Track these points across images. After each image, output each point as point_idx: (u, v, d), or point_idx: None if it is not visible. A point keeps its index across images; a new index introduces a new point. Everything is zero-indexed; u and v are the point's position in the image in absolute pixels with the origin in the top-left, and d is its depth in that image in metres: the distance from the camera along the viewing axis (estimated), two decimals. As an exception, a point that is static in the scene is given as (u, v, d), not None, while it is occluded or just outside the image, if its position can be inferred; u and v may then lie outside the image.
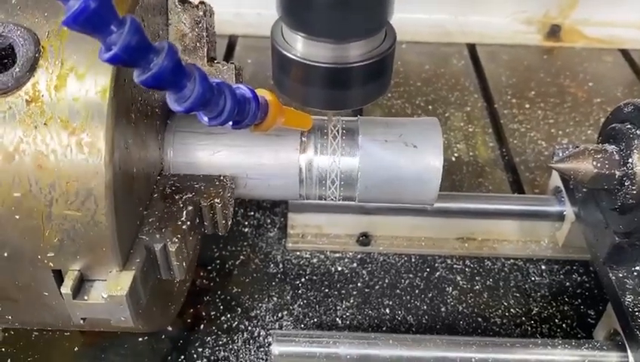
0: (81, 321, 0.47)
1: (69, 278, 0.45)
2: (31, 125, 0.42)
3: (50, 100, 0.42)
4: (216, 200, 0.51)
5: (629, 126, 0.55)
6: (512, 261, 0.72)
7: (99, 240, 0.44)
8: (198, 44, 0.55)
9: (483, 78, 1.06)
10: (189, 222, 0.49)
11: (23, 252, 0.45)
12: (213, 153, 0.54)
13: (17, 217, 0.43)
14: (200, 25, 0.54)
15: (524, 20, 1.17)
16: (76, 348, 0.62)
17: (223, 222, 0.53)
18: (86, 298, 0.45)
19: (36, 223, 0.44)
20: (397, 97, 0.99)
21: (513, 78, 1.06)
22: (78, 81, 0.43)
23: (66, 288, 0.45)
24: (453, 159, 0.87)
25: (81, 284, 0.46)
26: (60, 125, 0.42)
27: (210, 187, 0.53)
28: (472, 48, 1.14)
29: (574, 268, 0.72)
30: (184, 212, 0.50)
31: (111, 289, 0.44)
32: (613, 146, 0.55)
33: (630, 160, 0.53)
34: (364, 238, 0.73)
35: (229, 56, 1.09)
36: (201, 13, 0.54)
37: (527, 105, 0.99)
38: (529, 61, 1.11)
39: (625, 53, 1.14)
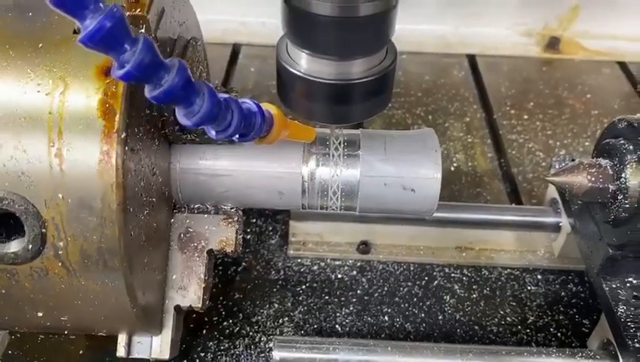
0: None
1: (120, 344, 0.55)
2: (60, 284, 0.47)
3: (71, 268, 0.46)
4: (227, 249, 0.56)
5: (622, 141, 0.56)
6: (508, 270, 0.74)
7: (138, 326, 0.53)
8: None
9: (482, 89, 1.07)
10: (207, 277, 0.56)
11: (79, 330, 0.57)
12: (222, 191, 0.56)
13: (69, 326, 0.52)
14: None
15: (524, 32, 1.18)
16: (81, 351, 0.63)
17: (235, 255, 0.60)
18: (137, 354, 0.56)
19: (85, 324, 0.54)
20: (397, 107, 1.01)
21: (512, 89, 1.08)
22: (89, 254, 0.45)
23: (120, 353, 0.55)
24: (452, 169, 0.89)
25: (131, 341, 0.56)
26: (87, 285, 0.47)
27: (220, 232, 0.56)
28: (472, 59, 1.15)
29: (570, 278, 0.73)
30: (201, 267, 0.55)
31: (155, 354, 0.56)
32: (607, 161, 0.57)
33: (623, 174, 0.54)
34: (364, 246, 0.74)
35: (232, 64, 1.11)
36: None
37: (526, 116, 1.01)
38: (528, 72, 1.13)
39: (622, 65, 1.15)
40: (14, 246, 0.44)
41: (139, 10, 0.46)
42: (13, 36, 0.45)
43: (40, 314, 0.49)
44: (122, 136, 0.43)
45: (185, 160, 0.55)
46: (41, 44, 0.44)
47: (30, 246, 0.44)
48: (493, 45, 1.17)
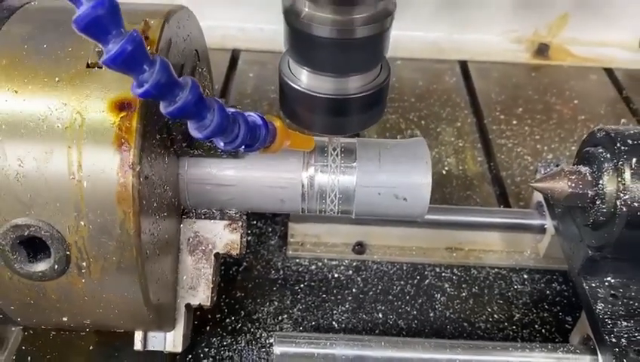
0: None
1: (137, 339, 0.59)
2: (83, 296, 0.51)
3: (92, 283, 0.49)
4: (233, 252, 0.60)
5: (600, 150, 0.60)
6: (496, 270, 0.77)
7: (154, 326, 0.58)
8: None
9: (473, 95, 1.11)
10: (214, 277, 0.59)
11: (99, 329, 0.63)
12: (228, 199, 0.59)
13: (91, 326, 0.57)
14: None
15: (514, 39, 1.22)
16: (91, 347, 0.66)
17: (240, 257, 0.62)
18: (153, 347, 0.60)
19: (104, 325, 0.58)
20: (392, 112, 1.04)
21: (502, 94, 1.11)
22: (109, 272, 0.48)
23: (137, 346, 0.59)
24: (444, 173, 0.92)
25: (146, 336, 0.60)
26: (107, 297, 0.51)
27: (226, 237, 0.60)
28: (463, 65, 1.19)
29: (554, 277, 0.77)
30: (209, 269, 0.59)
31: (169, 348, 0.60)
32: (587, 168, 0.60)
33: (601, 181, 0.58)
34: (360, 247, 0.78)
35: (232, 69, 1.14)
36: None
37: (515, 122, 1.04)
38: (518, 78, 1.16)
39: (609, 71, 1.19)
40: (42, 266, 0.48)
41: (148, 47, 0.48)
42: (31, 70, 0.47)
43: (65, 319, 0.53)
44: (137, 169, 0.45)
45: (192, 170, 0.58)
46: (57, 78, 0.47)
47: (56, 266, 0.48)
48: (485, 51, 1.20)
